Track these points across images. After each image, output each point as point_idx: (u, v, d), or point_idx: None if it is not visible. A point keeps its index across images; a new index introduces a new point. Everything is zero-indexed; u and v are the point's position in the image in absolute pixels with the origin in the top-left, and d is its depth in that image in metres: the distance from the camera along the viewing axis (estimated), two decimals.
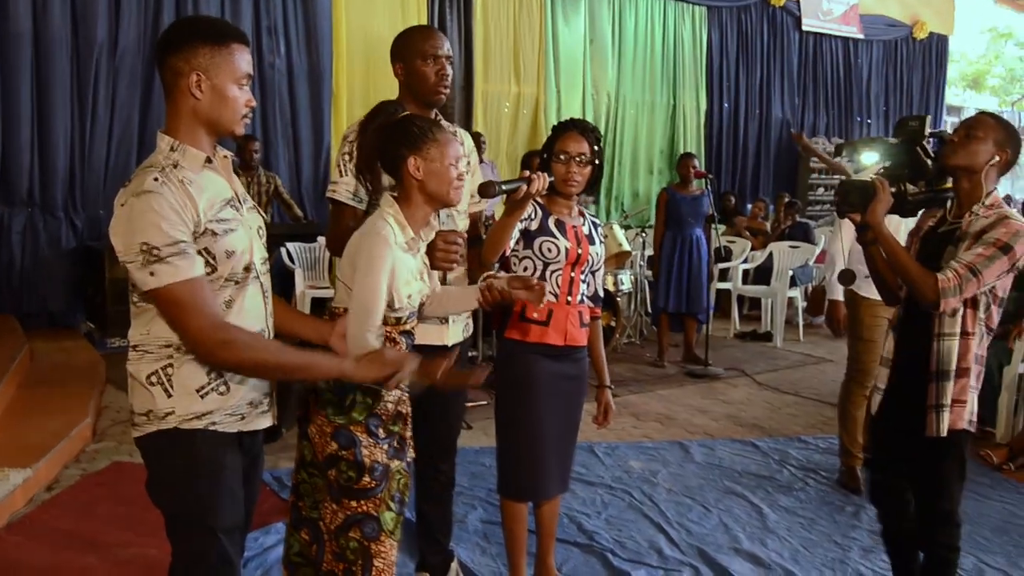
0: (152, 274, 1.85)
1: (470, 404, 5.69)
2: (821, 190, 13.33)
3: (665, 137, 12.06)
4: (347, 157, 2.74)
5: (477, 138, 6.80)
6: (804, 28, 13.25)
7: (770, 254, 9.09)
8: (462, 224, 2.96)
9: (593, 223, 3.16)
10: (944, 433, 2.74)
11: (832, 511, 4.26)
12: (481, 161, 6.91)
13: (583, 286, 3.07)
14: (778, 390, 6.64)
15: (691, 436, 5.41)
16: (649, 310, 8.18)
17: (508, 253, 2.98)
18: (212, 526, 2.02)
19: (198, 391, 1.99)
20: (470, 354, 5.86)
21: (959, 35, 17.32)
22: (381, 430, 2.36)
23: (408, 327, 2.42)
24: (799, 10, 13.11)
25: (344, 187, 2.75)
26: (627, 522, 4.03)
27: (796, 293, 8.98)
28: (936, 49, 15.41)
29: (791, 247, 9.01)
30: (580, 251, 3.01)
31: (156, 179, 1.88)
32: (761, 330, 8.83)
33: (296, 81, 8.72)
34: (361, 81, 8.98)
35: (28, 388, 5.41)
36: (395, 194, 2.39)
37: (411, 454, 2.52)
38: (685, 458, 4.96)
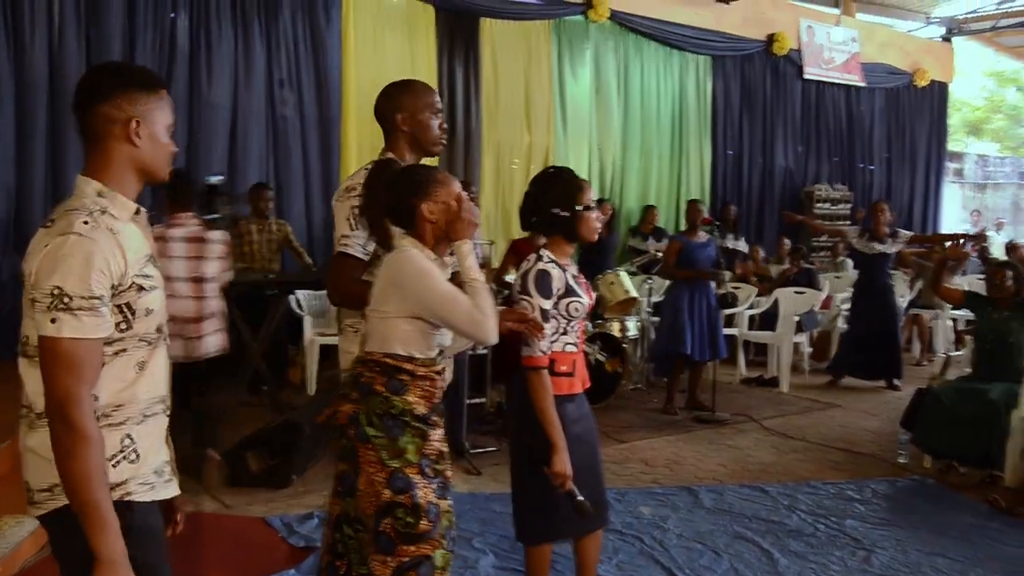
0: (54, 321, 1.70)
1: (478, 451, 5.71)
2: (825, 237, 13.36)
3: (671, 185, 12.17)
4: (356, 211, 2.77)
5: (467, 187, 6.84)
6: (806, 76, 13.39)
7: (775, 300, 9.13)
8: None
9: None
10: None
11: (843, 556, 4.25)
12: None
13: None
14: (785, 435, 6.62)
15: (700, 482, 5.40)
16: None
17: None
18: None
19: (110, 460, 1.79)
20: (469, 401, 5.92)
21: (959, 83, 17.50)
22: (429, 470, 2.42)
23: (440, 368, 2.50)
24: (801, 59, 13.26)
25: (356, 241, 2.77)
26: (638, 567, 4.03)
27: (802, 339, 8.96)
28: (937, 96, 15.55)
29: (796, 293, 9.04)
30: (592, 302, 3.08)
31: (86, 223, 1.75)
32: (767, 376, 8.83)
33: (307, 130, 8.87)
34: (370, 129, 8.97)
35: None
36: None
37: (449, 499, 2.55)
38: (695, 504, 4.96)
